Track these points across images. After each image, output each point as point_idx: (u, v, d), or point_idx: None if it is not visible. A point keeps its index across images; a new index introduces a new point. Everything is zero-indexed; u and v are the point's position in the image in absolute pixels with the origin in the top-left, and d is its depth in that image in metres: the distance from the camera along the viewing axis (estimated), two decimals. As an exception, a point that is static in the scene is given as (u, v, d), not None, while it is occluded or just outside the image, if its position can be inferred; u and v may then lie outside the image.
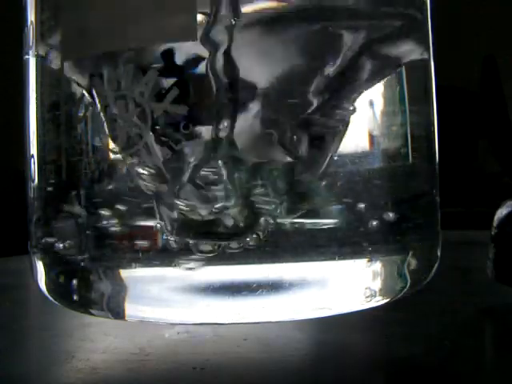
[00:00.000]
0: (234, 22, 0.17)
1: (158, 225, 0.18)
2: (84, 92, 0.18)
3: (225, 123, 0.17)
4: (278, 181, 0.18)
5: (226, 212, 0.18)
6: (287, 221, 0.19)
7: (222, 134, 0.17)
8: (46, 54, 0.19)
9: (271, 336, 0.20)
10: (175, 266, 0.18)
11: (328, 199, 0.19)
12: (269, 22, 0.17)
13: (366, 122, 0.20)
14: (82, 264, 0.20)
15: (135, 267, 0.19)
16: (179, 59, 0.17)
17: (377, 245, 0.20)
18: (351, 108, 0.18)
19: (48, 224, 0.21)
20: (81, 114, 0.18)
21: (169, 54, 0.17)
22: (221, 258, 0.18)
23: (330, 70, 0.18)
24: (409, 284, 0.20)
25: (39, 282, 0.21)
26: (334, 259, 0.19)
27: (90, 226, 0.19)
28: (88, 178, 0.19)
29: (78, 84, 0.18)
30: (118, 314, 0.19)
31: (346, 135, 0.19)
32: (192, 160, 0.18)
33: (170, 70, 0.17)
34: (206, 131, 0.17)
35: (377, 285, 0.20)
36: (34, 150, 0.21)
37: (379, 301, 0.20)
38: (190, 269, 0.18)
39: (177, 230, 0.18)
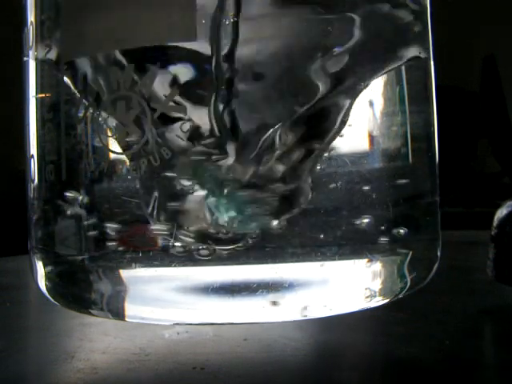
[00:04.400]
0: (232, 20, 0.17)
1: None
2: (84, 92, 0.18)
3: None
4: (275, 181, 0.18)
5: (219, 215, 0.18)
6: (287, 221, 0.19)
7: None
8: (46, 54, 0.19)
9: (271, 336, 0.20)
10: (175, 265, 0.18)
11: (327, 199, 0.19)
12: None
13: (366, 122, 0.20)
14: (82, 264, 0.20)
15: (135, 267, 0.19)
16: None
17: (377, 245, 0.20)
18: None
19: (48, 224, 0.21)
20: (81, 114, 0.18)
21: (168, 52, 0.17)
22: (221, 258, 0.18)
23: (328, 66, 0.18)
24: (409, 284, 0.20)
25: (39, 282, 0.21)
26: (334, 259, 0.19)
27: (89, 226, 0.19)
28: (88, 178, 0.19)
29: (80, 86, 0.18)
30: (118, 314, 0.19)
31: (347, 135, 0.19)
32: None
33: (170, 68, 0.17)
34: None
35: (377, 285, 0.20)
36: (33, 150, 0.21)
37: (379, 301, 0.20)
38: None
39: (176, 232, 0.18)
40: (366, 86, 0.19)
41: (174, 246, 0.18)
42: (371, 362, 0.19)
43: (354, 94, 0.19)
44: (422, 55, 0.21)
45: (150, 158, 0.17)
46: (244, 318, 0.18)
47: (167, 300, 0.18)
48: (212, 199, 0.18)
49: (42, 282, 0.21)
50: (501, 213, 0.25)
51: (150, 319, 0.19)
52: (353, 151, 0.19)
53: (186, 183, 0.18)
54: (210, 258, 0.18)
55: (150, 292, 0.19)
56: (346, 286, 0.19)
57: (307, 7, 0.18)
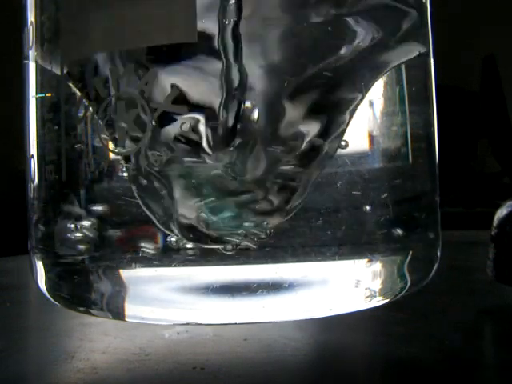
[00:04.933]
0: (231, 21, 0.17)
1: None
2: (84, 92, 0.18)
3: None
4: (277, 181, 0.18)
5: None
6: (287, 221, 0.19)
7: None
8: (46, 54, 0.19)
9: (271, 336, 0.20)
10: (175, 265, 0.18)
11: (327, 199, 0.19)
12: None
13: (366, 122, 0.20)
14: (82, 264, 0.20)
15: (135, 267, 0.19)
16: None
17: (377, 245, 0.20)
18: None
19: (48, 224, 0.21)
20: (81, 114, 0.18)
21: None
22: (221, 258, 0.18)
23: (329, 64, 0.18)
24: (409, 284, 0.20)
25: (39, 282, 0.21)
26: (334, 259, 0.19)
27: (89, 226, 0.19)
28: (88, 178, 0.19)
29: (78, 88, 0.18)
30: (118, 314, 0.19)
31: (347, 135, 0.19)
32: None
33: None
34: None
35: (377, 285, 0.20)
36: (33, 150, 0.21)
37: (379, 301, 0.20)
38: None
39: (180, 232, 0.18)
40: (368, 88, 0.19)
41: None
42: (371, 362, 0.19)
43: (353, 96, 0.19)
44: (422, 54, 0.21)
45: (149, 159, 0.17)
46: (244, 317, 0.18)
47: (167, 300, 0.18)
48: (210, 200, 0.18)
49: (41, 282, 0.21)
50: (501, 213, 0.25)
51: (150, 319, 0.19)
52: (353, 151, 0.19)
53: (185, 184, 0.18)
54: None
55: (149, 292, 0.19)
56: (345, 286, 0.19)
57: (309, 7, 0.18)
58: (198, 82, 0.17)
